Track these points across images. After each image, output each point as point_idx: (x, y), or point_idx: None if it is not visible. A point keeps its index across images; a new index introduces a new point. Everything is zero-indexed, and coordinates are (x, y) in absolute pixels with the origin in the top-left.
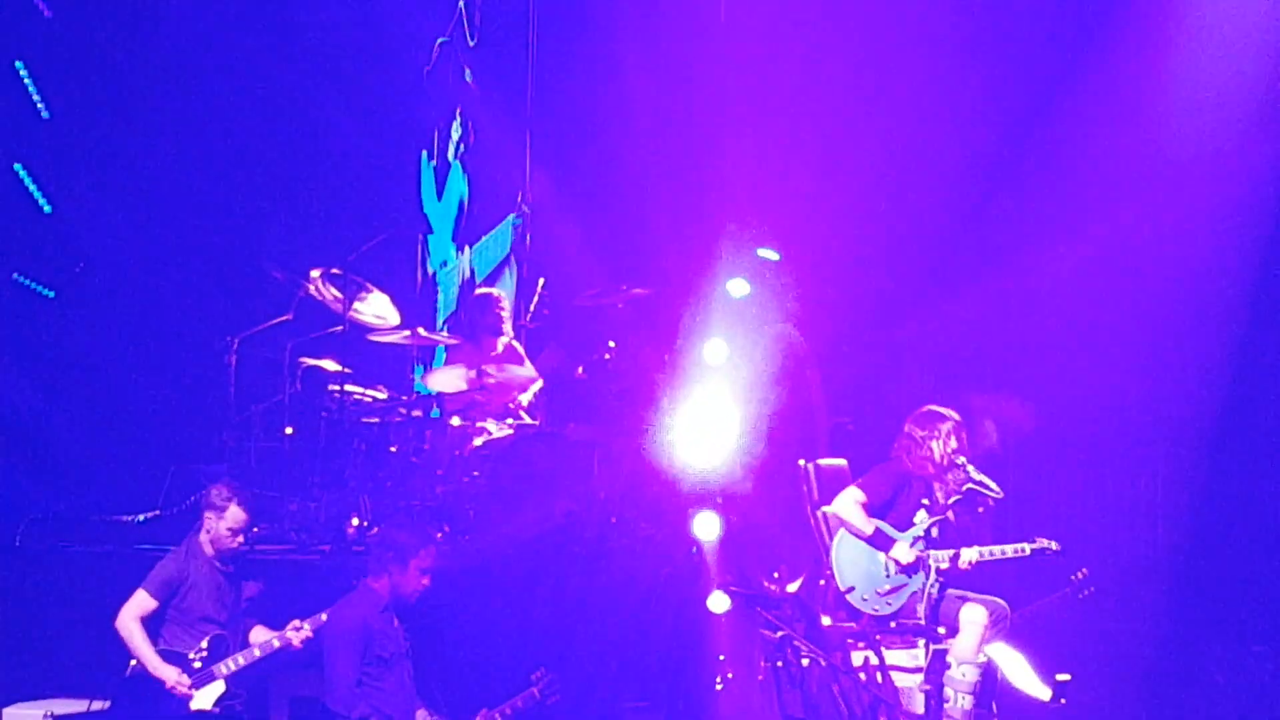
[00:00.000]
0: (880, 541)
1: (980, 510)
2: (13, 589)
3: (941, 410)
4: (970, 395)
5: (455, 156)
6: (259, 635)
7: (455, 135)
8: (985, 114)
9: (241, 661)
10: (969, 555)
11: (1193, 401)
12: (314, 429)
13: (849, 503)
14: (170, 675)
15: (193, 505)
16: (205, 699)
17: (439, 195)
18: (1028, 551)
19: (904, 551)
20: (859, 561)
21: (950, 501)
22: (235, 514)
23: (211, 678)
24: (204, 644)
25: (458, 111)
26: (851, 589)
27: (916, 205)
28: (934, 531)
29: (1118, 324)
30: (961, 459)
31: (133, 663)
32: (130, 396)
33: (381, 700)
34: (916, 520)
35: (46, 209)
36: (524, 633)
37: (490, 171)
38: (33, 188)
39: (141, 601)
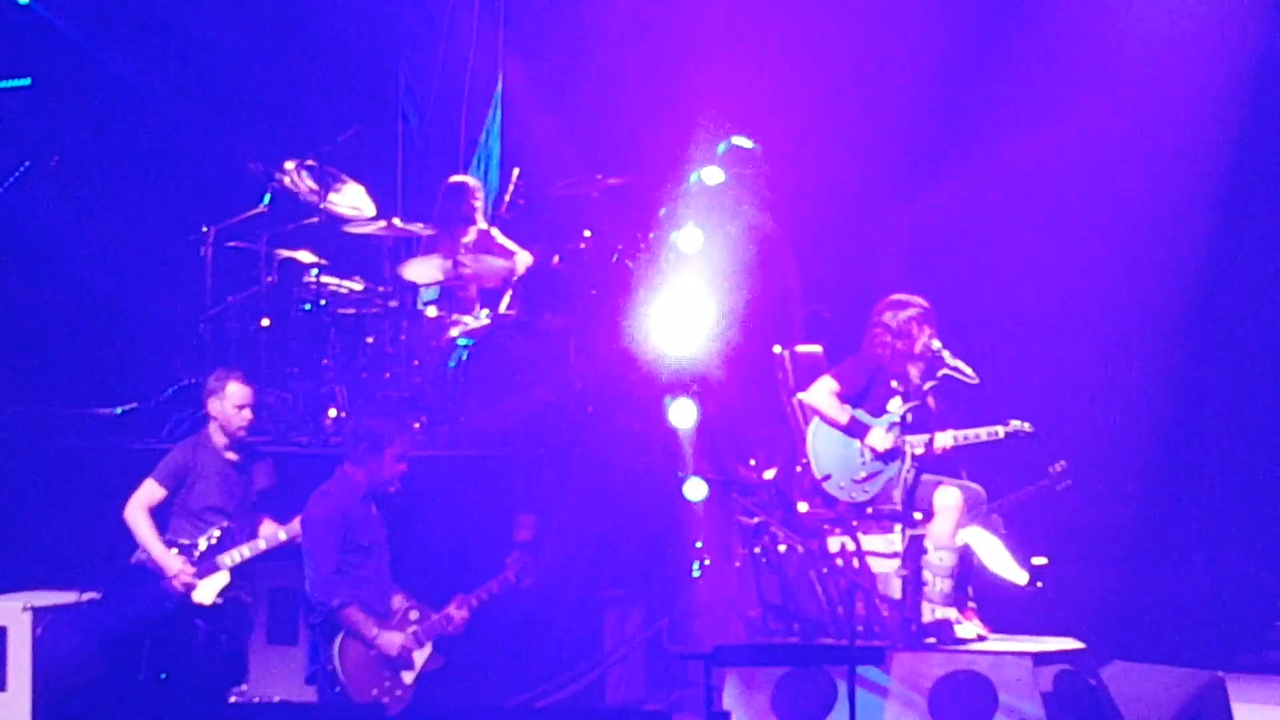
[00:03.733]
0: (856, 429)
1: (956, 397)
2: None
3: (908, 298)
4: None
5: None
6: (268, 529)
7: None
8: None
9: (247, 554)
10: (943, 440)
11: (1170, 284)
12: (290, 320)
13: (823, 392)
14: (175, 565)
15: (171, 397)
16: (208, 590)
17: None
18: (1001, 434)
19: (879, 438)
20: (835, 449)
21: (927, 388)
22: (235, 390)
23: (215, 569)
24: (213, 535)
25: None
26: (828, 477)
27: (893, 91)
28: (909, 417)
29: (1093, 210)
30: (936, 344)
31: (139, 553)
32: (105, 288)
33: (359, 587)
34: (890, 407)
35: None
36: (501, 522)
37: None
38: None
39: (150, 491)
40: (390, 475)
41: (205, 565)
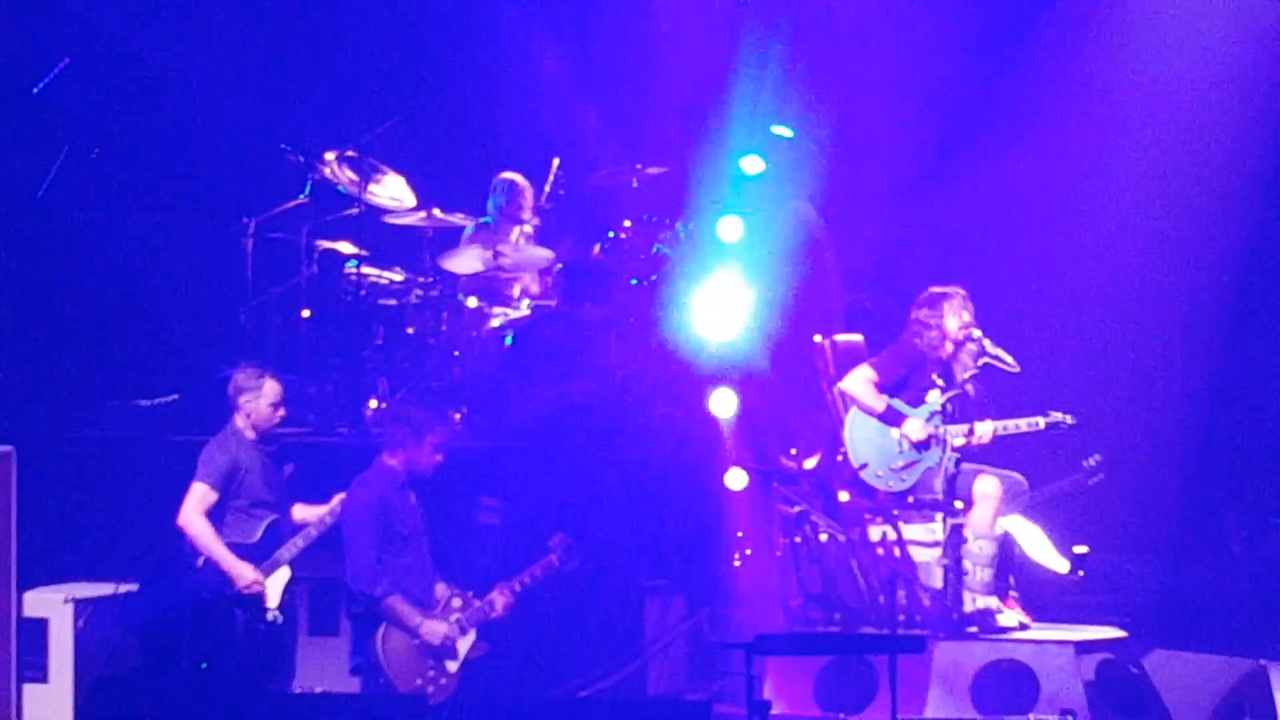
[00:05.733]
0: (891, 418)
1: (995, 385)
2: (31, 474)
3: (945, 289)
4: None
5: None
6: (302, 513)
7: None
8: None
9: (301, 544)
10: (984, 429)
11: (1214, 273)
12: (331, 312)
13: (860, 380)
14: (248, 575)
15: (211, 388)
16: (275, 588)
17: None
18: (1042, 425)
19: (916, 428)
20: (872, 438)
21: (966, 377)
22: (271, 387)
23: (276, 565)
24: (262, 530)
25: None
26: (865, 465)
27: (936, 77)
28: (949, 407)
29: (1132, 199)
30: (977, 333)
31: (201, 559)
32: (145, 280)
33: (401, 576)
34: (929, 398)
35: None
36: (541, 513)
37: None
38: None
39: (204, 495)
40: (428, 463)
41: (268, 564)
